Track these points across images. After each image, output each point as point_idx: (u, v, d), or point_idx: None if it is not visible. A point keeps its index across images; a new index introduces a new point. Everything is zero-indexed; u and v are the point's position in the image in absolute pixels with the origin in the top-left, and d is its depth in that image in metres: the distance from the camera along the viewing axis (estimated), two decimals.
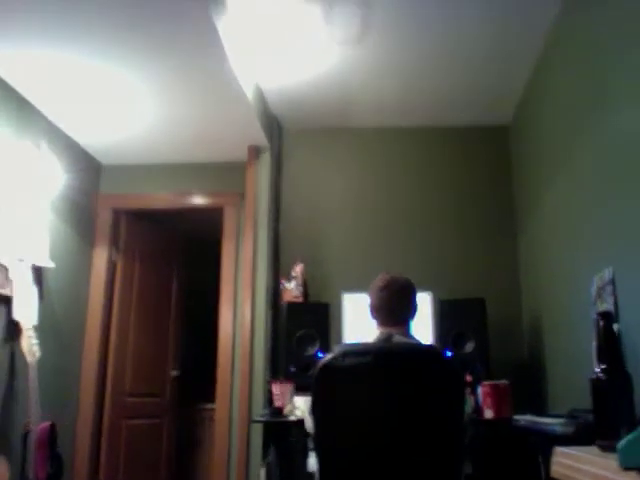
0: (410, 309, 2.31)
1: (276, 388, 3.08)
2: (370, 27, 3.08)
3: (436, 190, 4.06)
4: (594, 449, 1.35)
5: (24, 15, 2.61)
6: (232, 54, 2.98)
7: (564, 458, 1.35)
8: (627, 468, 1.02)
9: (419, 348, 2.10)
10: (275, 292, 3.88)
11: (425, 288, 3.25)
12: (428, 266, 3.80)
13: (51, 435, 3.06)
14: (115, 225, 4.30)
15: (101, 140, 3.94)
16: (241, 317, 3.82)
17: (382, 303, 2.27)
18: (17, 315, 3.13)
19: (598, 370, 1.43)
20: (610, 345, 1.45)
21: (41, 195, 3.49)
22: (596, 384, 1.42)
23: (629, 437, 1.06)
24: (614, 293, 2.20)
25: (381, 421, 1.85)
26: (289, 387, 3.05)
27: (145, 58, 2.96)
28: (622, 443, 1.05)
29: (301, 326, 3.36)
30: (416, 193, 4.07)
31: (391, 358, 1.91)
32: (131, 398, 4.31)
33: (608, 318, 1.49)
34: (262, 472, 3.18)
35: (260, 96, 3.70)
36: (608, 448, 1.25)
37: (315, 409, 1.91)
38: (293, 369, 3.28)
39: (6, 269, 3.09)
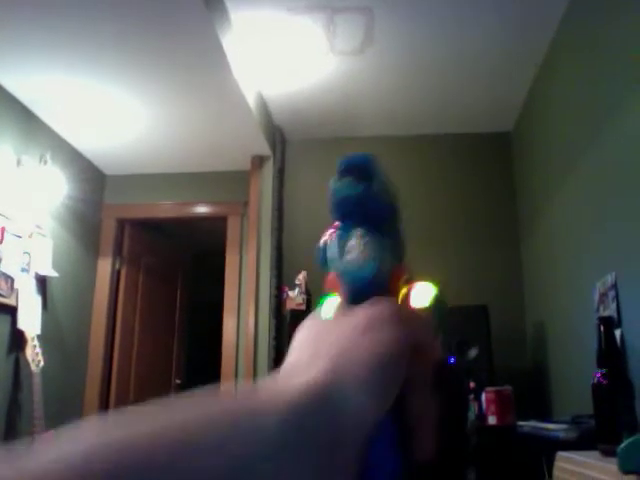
0: None
1: None
2: (372, 37, 3.10)
3: (439, 198, 4.07)
4: (596, 454, 1.35)
5: (34, 36, 2.65)
6: (235, 65, 3.00)
7: (565, 463, 1.35)
8: (627, 472, 1.03)
9: None
10: (278, 300, 3.89)
11: None
12: (431, 273, 3.78)
13: None
14: (119, 235, 4.32)
15: (105, 150, 3.97)
16: (244, 325, 3.83)
17: None
18: (22, 325, 3.15)
19: (599, 375, 1.43)
20: (611, 350, 1.46)
21: (46, 205, 3.51)
22: (597, 389, 1.42)
23: (628, 441, 1.06)
24: (617, 299, 2.20)
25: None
26: None
27: (150, 71, 2.99)
28: (622, 447, 1.06)
29: None
30: (418, 201, 4.07)
31: None
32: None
33: (609, 323, 1.49)
34: None
35: (263, 106, 3.72)
36: (609, 452, 1.25)
37: None
38: None
39: (11, 279, 3.11)
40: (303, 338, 0.39)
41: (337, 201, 0.44)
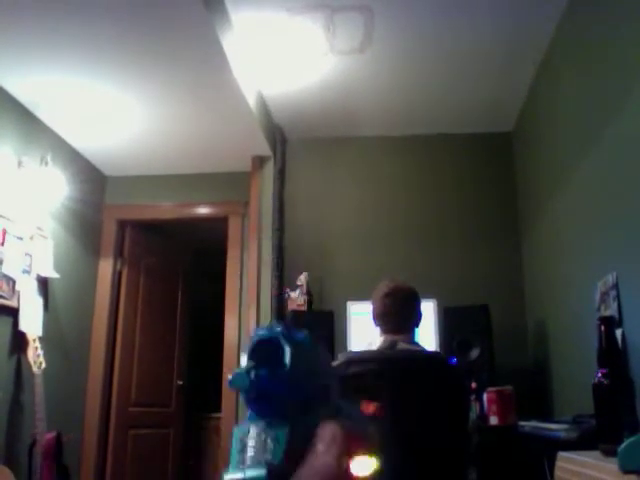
0: (414, 317, 2.30)
1: None
2: (372, 36, 3.10)
3: (439, 197, 4.07)
4: (597, 454, 1.35)
5: (34, 37, 2.66)
6: (235, 65, 3.00)
7: (566, 463, 1.35)
8: (627, 471, 1.03)
9: (423, 355, 2.10)
10: (279, 301, 3.89)
11: (429, 295, 3.24)
12: (432, 273, 3.80)
13: (57, 445, 3.07)
14: (120, 236, 4.32)
15: (106, 152, 3.97)
16: (246, 326, 3.83)
17: (386, 310, 2.26)
18: (23, 326, 3.15)
19: (600, 374, 1.43)
20: (611, 350, 1.45)
21: (46, 206, 3.52)
22: (598, 388, 1.42)
23: (629, 441, 1.06)
24: (618, 298, 2.20)
25: (385, 428, 1.85)
26: None
27: (150, 72, 3.00)
28: (622, 447, 1.06)
29: None
30: (420, 200, 4.07)
31: (395, 365, 1.91)
32: (137, 408, 4.32)
33: (609, 323, 1.49)
34: None
35: (263, 106, 3.72)
36: (610, 452, 1.25)
37: None
38: None
39: (12, 281, 3.12)
40: None
41: (244, 393, 0.43)
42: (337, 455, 0.42)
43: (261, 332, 0.45)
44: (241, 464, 0.43)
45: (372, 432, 0.48)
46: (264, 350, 0.44)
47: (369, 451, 0.45)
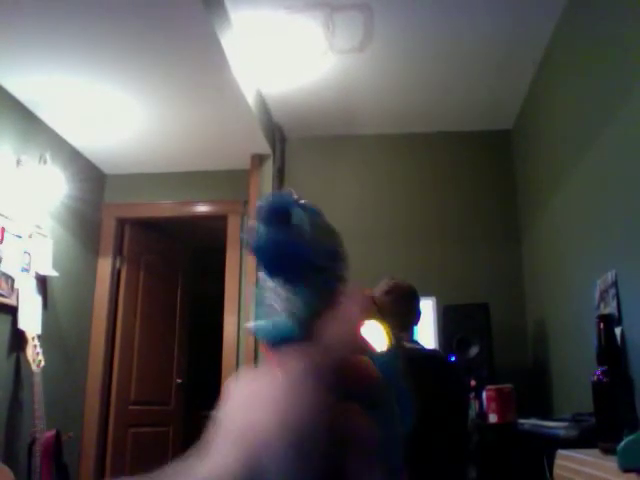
0: (414, 315, 2.30)
1: None
2: (371, 35, 3.10)
3: (439, 195, 4.06)
4: (596, 452, 1.35)
5: (34, 36, 2.65)
6: (235, 64, 3.00)
7: (566, 461, 1.35)
8: (627, 470, 1.03)
9: (423, 353, 2.10)
10: None
11: (428, 293, 3.25)
12: (431, 271, 3.80)
13: (56, 444, 3.07)
14: (119, 234, 4.32)
15: (105, 150, 3.97)
16: (245, 323, 3.83)
17: (385, 307, 2.27)
18: (22, 324, 3.15)
19: (599, 372, 1.43)
20: (611, 347, 1.45)
21: (45, 205, 3.51)
22: (597, 386, 1.42)
23: (628, 439, 1.06)
24: (617, 296, 2.20)
25: None
26: None
27: (149, 71, 2.99)
28: (621, 445, 1.06)
29: None
30: (419, 198, 4.07)
31: None
32: (136, 406, 4.32)
33: (608, 320, 1.49)
34: None
35: (262, 105, 3.72)
36: (609, 450, 1.25)
37: None
38: None
39: (11, 279, 3.12)
40: (230, 409, 0.39)
41: (254, 251, 0.42)
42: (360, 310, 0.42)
43: (268, 200, 0.44)
44: (263, 316, 0.43)
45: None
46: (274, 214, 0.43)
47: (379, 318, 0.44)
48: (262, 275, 0.43)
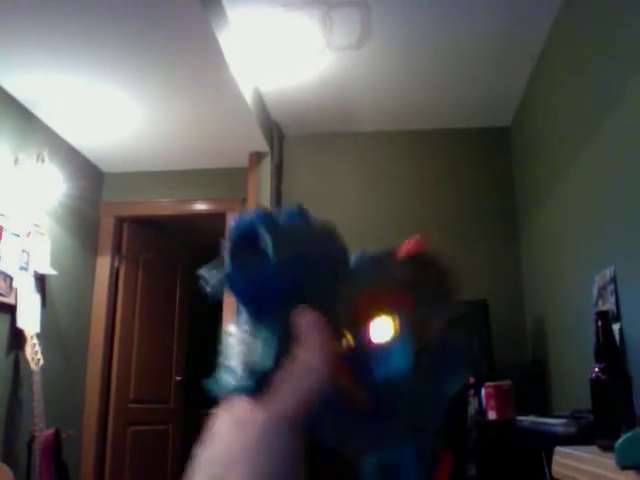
0: None
1: None
2: (369, 32, 3.09)
3: (437, 192, 4.06)
4: (595, 449, 1.35)
5: (31, 35, 2.65)
6: (232, 62, 2.99)
7: (564, 458, 1.35)
8: (624, 467, 1.03)
9: None
10: None
11: None
12: None
13: (56, 442, 3.07)
14: (118, 232, 4.32)
15: (103, 148, 3.96)
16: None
17: None
18: (21, 323, 3.15)
19: (597, 369, 1.43)
20: (609, 344, 1.45)
21: (43, 203, 3.51)
22: (595, 383, 1.42)
23: (626, 436, 1.06)
24: (615, 292, 2.20)
25: None
26: None
27: (147, 69, 2.99)
28: (620, 442, 1.05)
29: None
30: (418, 195, 4.07)
31: None
32: (136, 404, 4.32)
33: (606, 317, 1.49)
34: None
35: (260, 102, 3.71)
36: (608, 447, 1.25)
37: None
38: None
39: (10, 278, 3.11)
40: (210, 454, 0.39)
41: (227, 290, 0.40)
42: (318, 345, 0.38)
43: (235, 226, 0.40)
44: (228, 371, 0.41)
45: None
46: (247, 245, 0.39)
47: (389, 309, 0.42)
48: (232, 325, 0.41)
